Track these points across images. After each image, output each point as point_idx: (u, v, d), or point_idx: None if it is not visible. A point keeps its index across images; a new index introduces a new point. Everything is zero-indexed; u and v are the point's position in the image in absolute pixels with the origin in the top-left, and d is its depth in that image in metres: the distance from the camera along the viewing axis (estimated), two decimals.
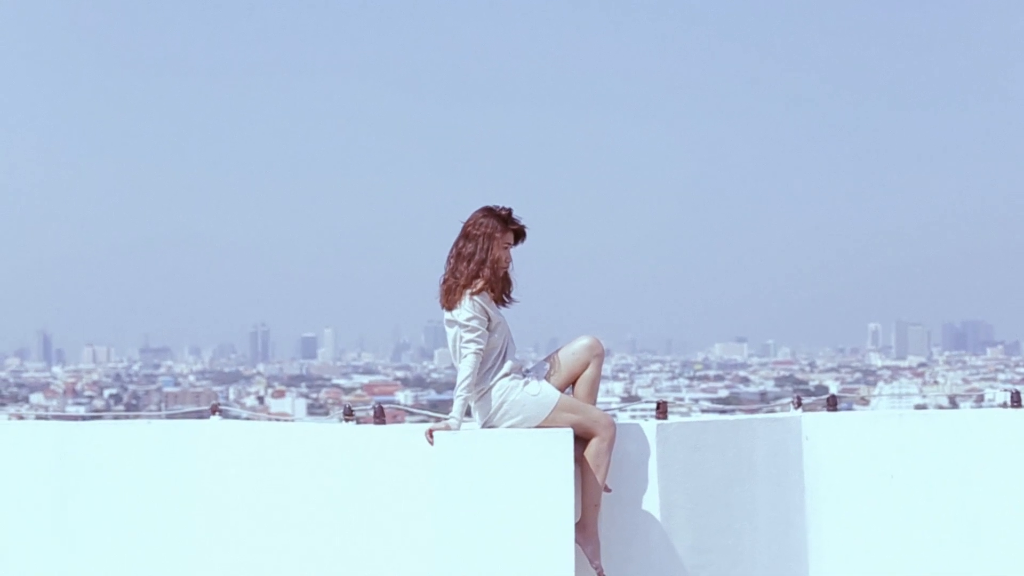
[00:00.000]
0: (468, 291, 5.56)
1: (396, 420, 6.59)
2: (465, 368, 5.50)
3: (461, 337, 5.56)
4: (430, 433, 5.50)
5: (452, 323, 5.61)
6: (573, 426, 5.55)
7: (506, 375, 5.60)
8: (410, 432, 6.00)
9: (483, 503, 5.41)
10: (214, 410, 6.95)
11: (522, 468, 5.42)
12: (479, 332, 5.53)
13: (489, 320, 5.58)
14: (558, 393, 5.62)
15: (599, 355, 5.77)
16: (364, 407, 6.77)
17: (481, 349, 5.53)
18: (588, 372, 5.74)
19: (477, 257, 5.60)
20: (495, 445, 5.47)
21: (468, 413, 5.62)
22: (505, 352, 5.66)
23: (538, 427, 5.54)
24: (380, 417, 6.34)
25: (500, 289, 5.72)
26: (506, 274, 5.75)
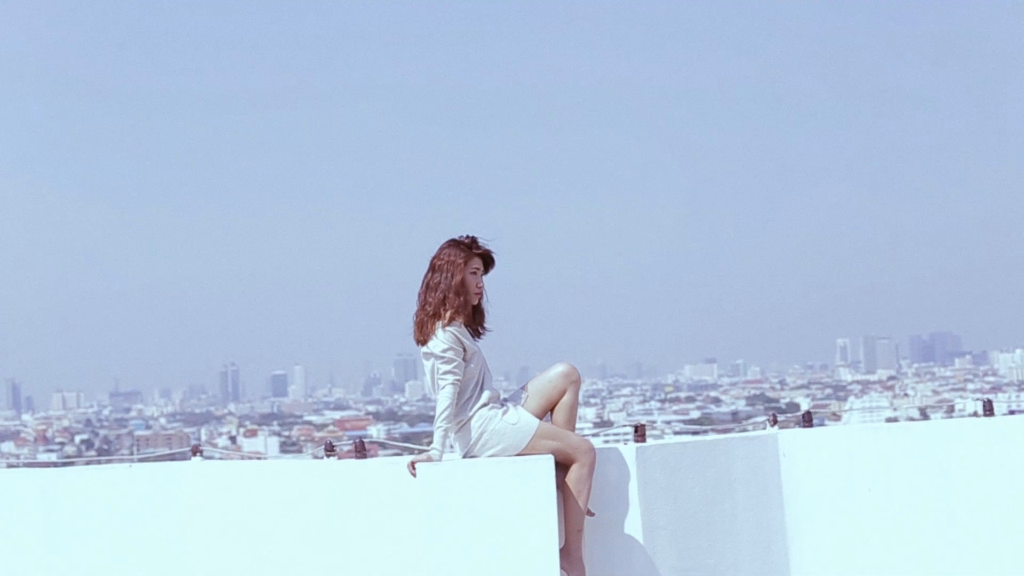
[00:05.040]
0: (440, 322, 5.61)
1: (370, 454, 6.61)
2: (444, 399, 5.53)
3: (438, 369, 5.59)
4: (412, 465, 5.52)
5: (428, 355, 5.64)
6: (553, 453, 5.58)
7: (485, 405, 5.63)
8: (392, 465, 6.02)
9: (467, 533, 5.43)
10: (195, 451, 6.96)
11: (505, 496, 5.45)
12: (456, 363, 5.56)
13: (465, 350, 5.62)
14: (537, 421, 5.65)
15: (576, 381, 5.80)
16: (337, 443, 6.81)
17: (459, 380, 5.57)
18: (565, 399, 5.78)
19: (443, 286, 5.65)
20: (477, 475, 5.50)
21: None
22: (483, 382, 5.69)
23: (519, 455, 5.57)
24: (361, 451, 6.37)
25: (473, 319, 5.78)
26: (479, 305, 5.80)
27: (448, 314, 5.61)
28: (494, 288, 5.83)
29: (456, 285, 5.65)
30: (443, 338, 5.58)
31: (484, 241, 5.79)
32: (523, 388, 5.81)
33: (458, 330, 5.61)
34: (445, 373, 5.55)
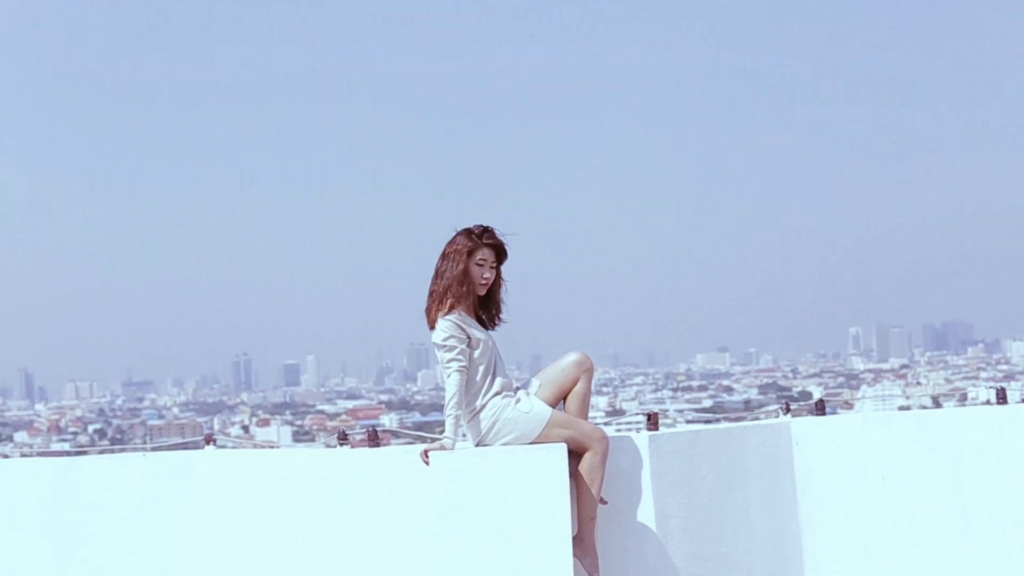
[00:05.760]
0: (441, 311, 5.62)
1: (383, 443, 6.62)
2: (451, 387, 5.55)
3: (442, 358, 5.61)
4: (425, 454, 5.54)
5: (435, 345, 5.67)
6: (566, 441, 5.59)
7: (497, 394, 5.64)
8: (405, 454, 6.03)
9: (480, 521, 5.45)
10: (208, 440, 6.97)
11: (518, 485, 5.46)
12: (457, 350, 5.57)
13: (469, 338, 5.63)
14: (550, 409, 5.66)
15: (588, 370, 5.81)
16: (350, 432, 6.82)
17: (464, 367, 5.57)
18: (578, 387, 5.78)
19: (447, 274, 5.66)
20: (490, 463, 5.51)
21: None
22: (494, 370, 5.70)
23: (531, 444, 5.59)
24: (374, 440, 6.38)
25: (482, 307, 5.77)
26: (493, 294, 5.80)
27: (448, 303, 5.62)
28: (511, 277, 5.84)
29: (459, 274, 5.65)
30: (442, 327, 5.60)
31: (500, 232, 5.78)
32: (536, 377, 5.82)
33: (458, 318, 5.61)
34: (449, 361, 5.57)
